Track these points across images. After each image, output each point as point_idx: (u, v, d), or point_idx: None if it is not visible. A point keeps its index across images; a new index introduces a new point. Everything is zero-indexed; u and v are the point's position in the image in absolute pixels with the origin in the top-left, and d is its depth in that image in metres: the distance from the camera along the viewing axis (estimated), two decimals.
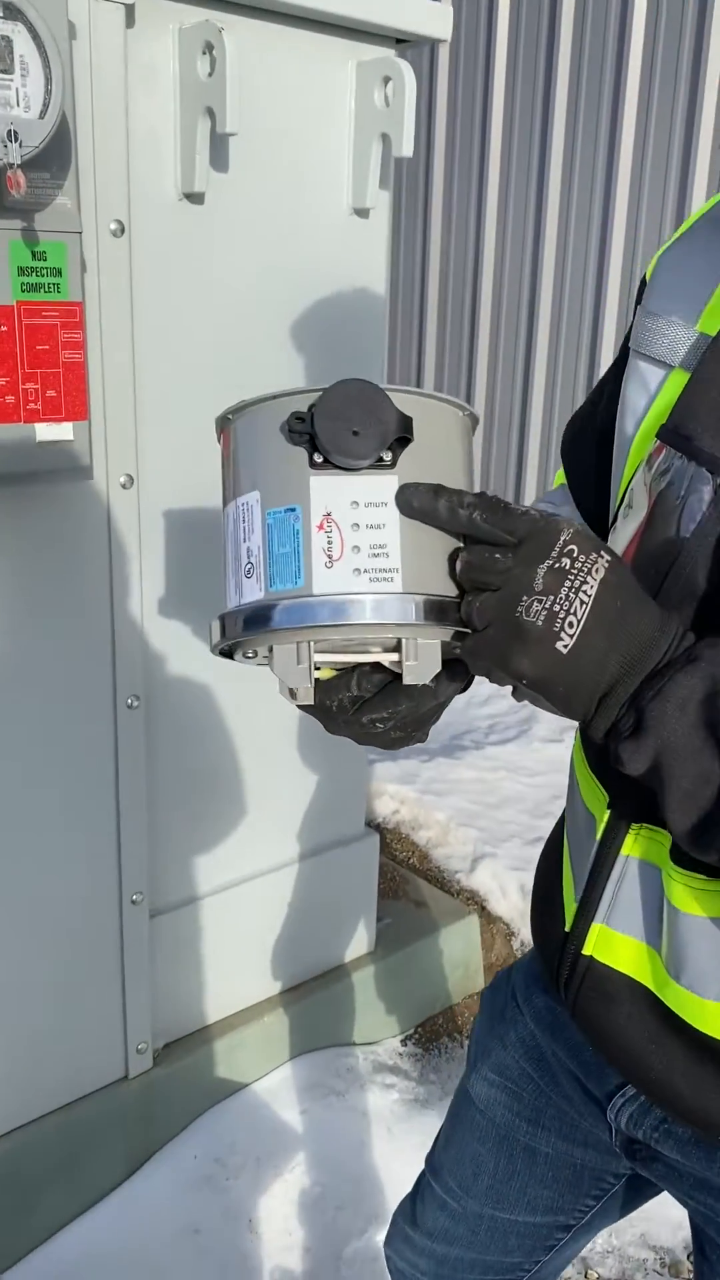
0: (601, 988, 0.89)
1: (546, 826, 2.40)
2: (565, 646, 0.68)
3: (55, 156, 1.29)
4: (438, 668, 0.74)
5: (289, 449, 0.72)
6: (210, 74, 1.52)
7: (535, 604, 0.68)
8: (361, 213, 1.82)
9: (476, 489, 0.74)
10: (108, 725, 1.73)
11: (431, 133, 4.42)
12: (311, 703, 0.78)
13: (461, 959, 2.47)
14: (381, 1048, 2.31)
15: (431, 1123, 2.09)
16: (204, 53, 1.52)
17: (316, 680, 0.77)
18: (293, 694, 0.77)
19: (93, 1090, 1.91)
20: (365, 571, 0.71)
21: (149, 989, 1.91)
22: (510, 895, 2.71)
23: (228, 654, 0.80)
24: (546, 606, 0.68)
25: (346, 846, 2.21)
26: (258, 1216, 1.91)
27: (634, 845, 0.84)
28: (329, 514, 0.71)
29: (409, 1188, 1.25)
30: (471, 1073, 1.15)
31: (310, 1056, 2.21)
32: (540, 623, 0.68)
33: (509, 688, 0.75)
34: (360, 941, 2.31)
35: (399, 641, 0.72)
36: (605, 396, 0.98)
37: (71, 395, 1.40)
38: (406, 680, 0.73)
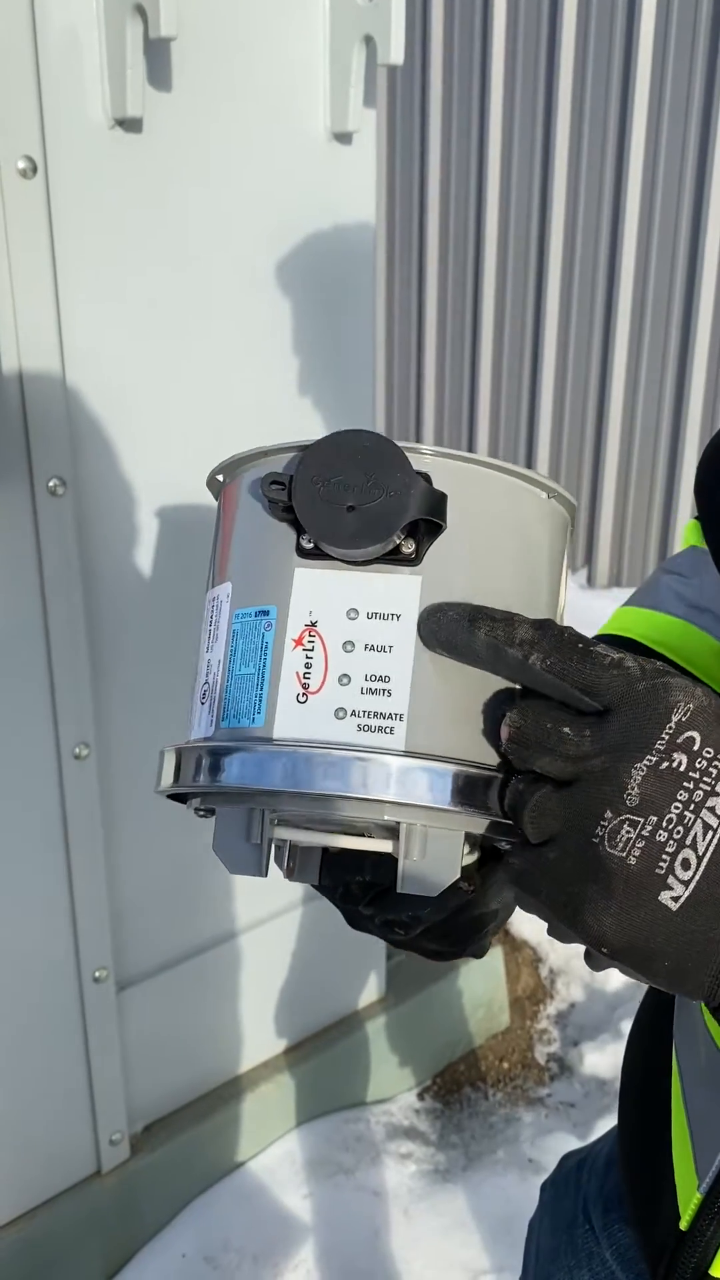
0: None
1: None
2: (675, 899, 0.43)
3: None
4: (455, 872, 0.49)
5: (274, 527, 0.52)
6: None
7: (625, 828, 0.43)
8: (343, 137, 1.48)
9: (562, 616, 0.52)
10: (51, 780, 1.43)
11: (427, 34, 3.92)
12: (314, 881, 0.57)
13: (484, 997, 2.19)
14: (396, 1105, 2.04)
15: (454, 1200, 1.83)
16: None
17: (324, 850, 0.58)
18: (284, 866, 0.58)
19: (61, 1191, 1.64)
20: (353, 714, 0.49)
21: (120, 1073, 1.63)
22: (536, 916, 2.43)
23: (181, 800, 0.59)
24: (644, 833, 0.43)
25: None
26: None
27: None
28: (313, 624, 0.50)
29: None
30: None
31: (314, 1125, 1.94)
32: (634, 861, 0.43)
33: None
34: (369, 988, 2.03)
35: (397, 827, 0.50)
36: None
37: None
38: (402, 888, 0.49)
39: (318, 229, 1.50)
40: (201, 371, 1.43)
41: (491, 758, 0.49)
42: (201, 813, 0.57)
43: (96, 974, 1.54)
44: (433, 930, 0.56)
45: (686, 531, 0.82)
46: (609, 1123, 1.94)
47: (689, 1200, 0.62)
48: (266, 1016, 1.88)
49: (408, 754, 0.48)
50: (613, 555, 3.90)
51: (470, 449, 4.18)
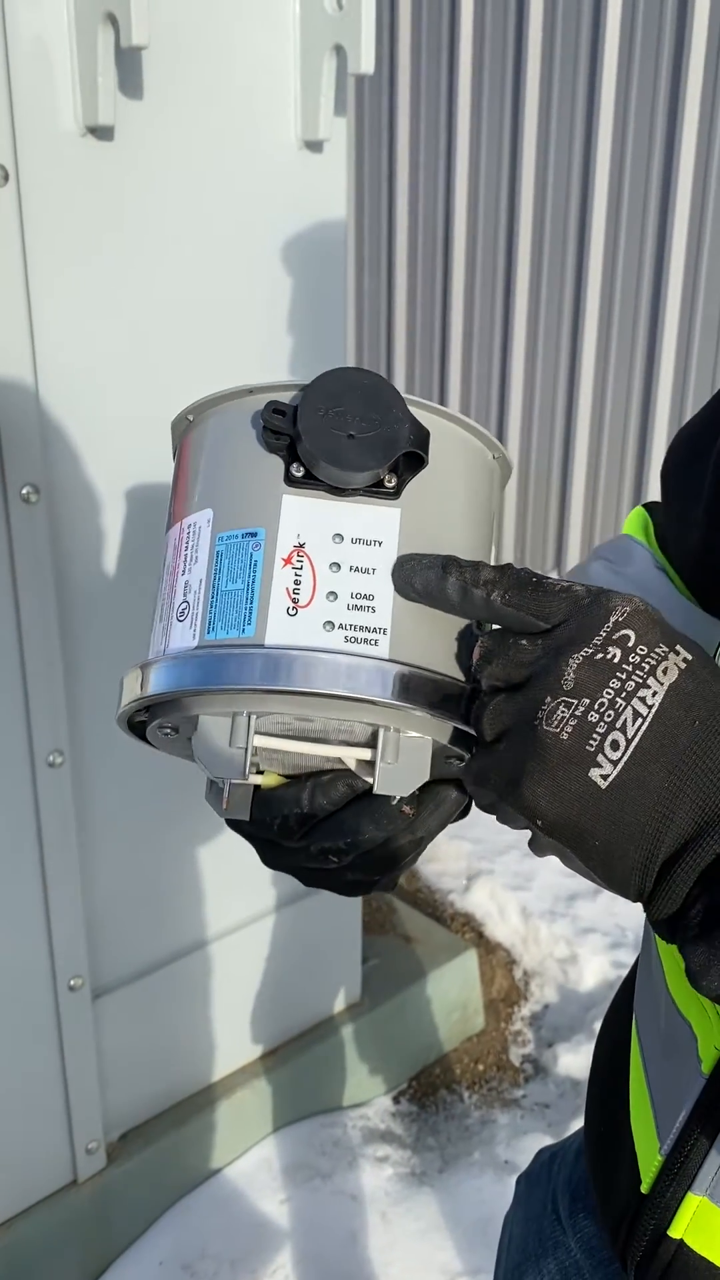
0: None
1: None
2: (604, 777, 0.47)
3: None
4: (425, 775, 0.54)
5: (261, 457, 0.55)
6: None
7: (560, 709, 0.47)
8: (313, 146, 1.49)
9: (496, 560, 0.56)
10: (25, 787, 1.42)
11: (395, 44, 3.94)
12: (245, 816, 0.58)
13: (459, 1000, 2.20)
14: (372, 1109, 2.05)
15: (430, 1203, 1.84)
16: None
17: (255, 788, 0.58)
18: (221, 797, 0.57)
19: (37, 1201, 1.63)
20: (340, 626, 0.53)
21: (96, 1081, 1.62)
22: (510, 917, 2.44)
23: (139, 731, 0.61)
24: (576, 713, 0.47)
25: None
26: None
27: None
28: (301, 545, 0.53)
29: None
30: None
31: (291, 1130, 1.94)
32: (566, 736, 0.47)
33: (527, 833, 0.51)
34: (344, 993, 2.03)
35: (373, 733, 0.53)
36: None
37: None
38: (378, 788, 0.54)
39: (289, 237, 1.50)
40: (173, 377, 1.44)
41: (458, 673, 0.54)
42: (166, 730, 0.58)
43: (72, 982, 1.54)
44: (358, 861, 0.58)
45: (628, 519, 0.84)
46: (582, 1122, 1.95)
47: (650, 1163, 0.63)
48: (242, 1022, 1.88)
49: (392, 663, 0.52)
50: (583, 543, 3.93)
51: None
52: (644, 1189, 0.64)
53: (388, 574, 0.53)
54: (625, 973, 2.30)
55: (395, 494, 0.54)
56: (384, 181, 4.15)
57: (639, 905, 0.49)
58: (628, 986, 0.78)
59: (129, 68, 1.28)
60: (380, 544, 0.54)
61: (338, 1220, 1.80)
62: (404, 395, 0.55)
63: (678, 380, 3.55)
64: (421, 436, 0.54)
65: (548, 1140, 1.95)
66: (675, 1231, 0.61)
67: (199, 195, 1.40)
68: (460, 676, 0.54)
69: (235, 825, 0.59)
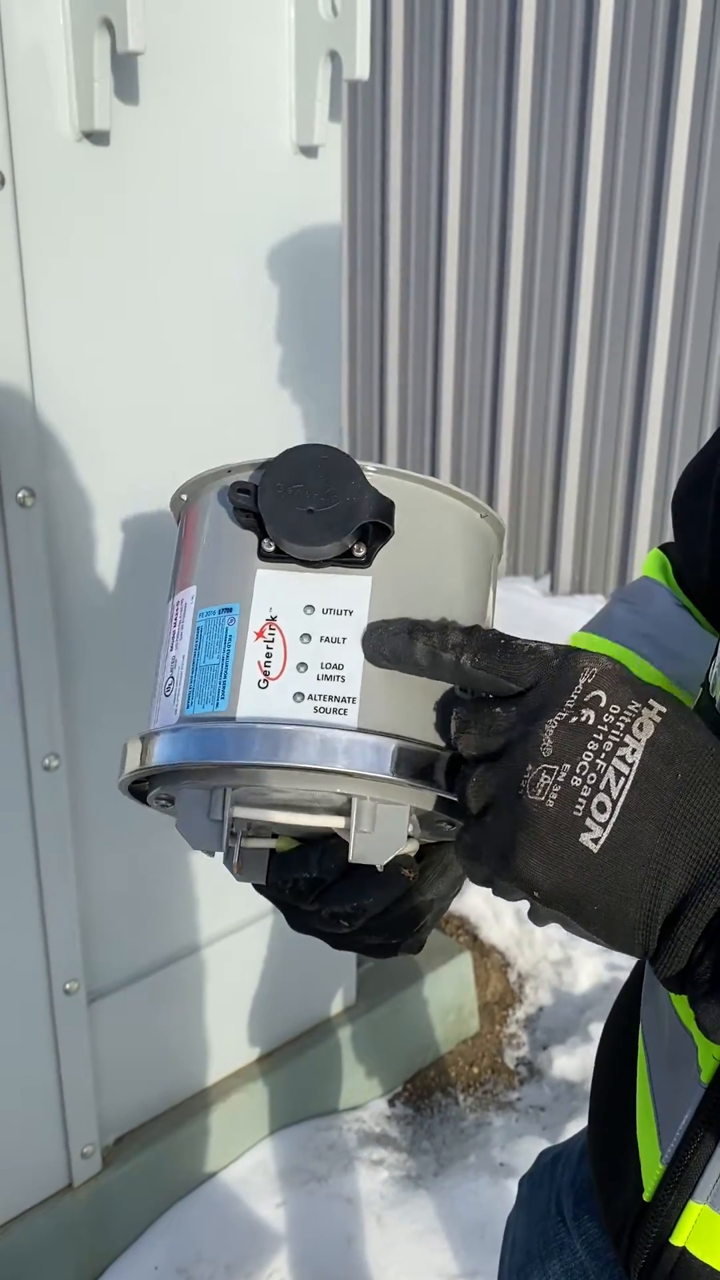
0: None
1: None
2: (595, 840, 0.46)
3: None
4: (401, 843, 0.54)
5: (237, 534, 0.57)
6: None
7: (543, 776, 0.47)
8: (309, 151, 1.50)
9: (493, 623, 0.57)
10: (20, 791, 1.42)
11: (387, 50, 3.96)
12: (261, 880, 0.60)
13: (454, 1003, 2.20)
14: (367, 1112, 2.05)
15: (426, 1206, 1.84)
16: None
17: (271, 853, 0.60)
18: (233, 863, 0.59)
19: (32, 1205, 1.63)
20: (310, 697, 0.54)
21: (92, 1086, 1.62)
22: (505, 920, 2.45)
23: (141, 797, 0.62)
24: (559, 779, 0.47)
25: None
26: None
27: None
28: (273, 619, 0.55)
29: None
30: None
31: (286, 1133, 1.94)
32: (552, 804, 0.47)
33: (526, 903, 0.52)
34: (339, 996, 2.04)
35: (349, 800, 0.54)
36: None
37: None
38: (353, 856, 0.54)
39: (284, 241, 1.51)
40: (169, 382, 1.44)
41: (435, 738, 0.54)
42: (162, 802, 0.60)
43: (67, 986, 1.54)
44: (373, 923, 0.59)
45: (646, 562, 0.85)
46: (579, 1125, 1.95)
47: (652, 1172, 0.64)
48: (238, 1026, 1.88)
49: (361, 732, 0.52)
50: (574, 564, 3.94)
51: (433, 460, 4.21)
52: (646, 1197, 0.64)
53: (358, 643, 0.54)
54: (619, 975, 2.30)
55: (366, 563, 0.55)
56: (377, 186, 4.16)
57: None
58: (628, 992, 0.79)
59: (125, 73, 1.29)
60: (350, 613, 0.54)
61: (333, 1224, 1.80)
62: (382, 465, 0.56)
63: (667, 402, 3.56)
64: (383, 506, 0.54)
65: (543, 1143, 1.95)
66: (677, 1239, 0.62)
67: (194, 199, 1.40)
68: (436, 741, 0.54)
69: (257, 888, 0.61)
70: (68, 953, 1.52)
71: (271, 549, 0.55)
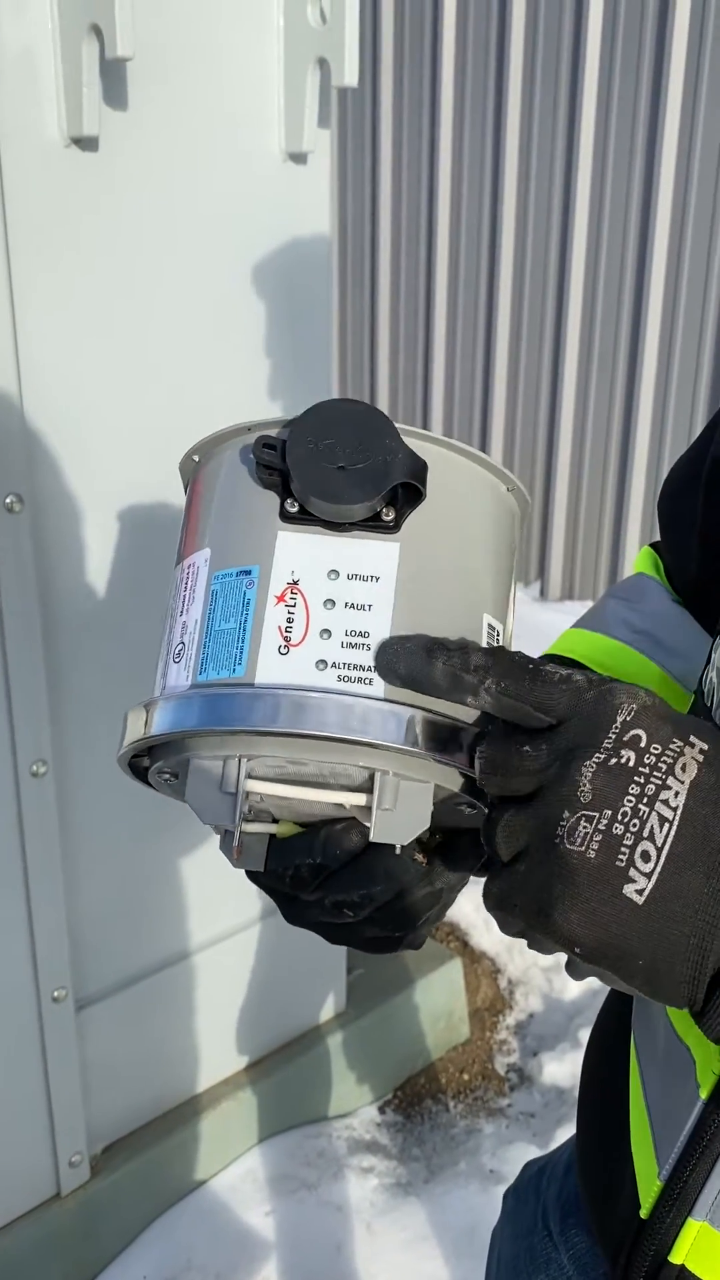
0: None
1: None
2: (640, 892, 0.43)
3: None
4: (425, 822, 0.51)
5: (257, 494, 0.54)
6: None
7: (582, 824, 0.44)
8: (298, 158, 1.50)
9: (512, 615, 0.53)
10: (8, 797, 1.42)
11: (377, 57, 3.96)
12: (260, 867, 0.56)
13: (444, 1009, 2.19)
14: (357, 1119, 2.04)
15: (416, 1213, 1.83)
16: None
17: (270, 837, 0.56)
18: (232, 846, 0.55)
19: (19, 1215, 1.62)
20: (334, 665, 0.50)
21: (79, 1094, 1.61)
22: (495, 926, 2.44)
23: (140, 774, 0.60)
24: (600, 827, 0.43)
25: None
26: None
27: None
28: (295, 582, 0.52)
29: None
30: None
31: (276, 1140, 1.93)
32: (593, 854, 0.43)
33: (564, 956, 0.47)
34: (329, 1003, 2.03)
35: (370, 777, 0.51)
36: (719, 436, 0.71)
37: None
38: (374, 836, 0.51)
39: (274, 248, 1.51)
40: (158, 386, 1.44)
41: (462, 713, 0.51)
42: (166, 776, 0.57)
43: (55, 994, 1.53)
44: (377, 914, 0.56)
45: (638, 559, 0.84)
46: (568, 1132, 1.95)
47: (650, 1188, 0.62)
48: (227, 1033, 1.87)
49: (388, 703, 0.49)
50: (564, 570, 3.94)
51: None
52: (643, 1213, 0.62)
53: (385, 610, 0.51)
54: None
55: (394, 528, 0.52)
56: (367, 192, 4.16)
57: None
58: (615, 1002, 0.78)
59: (114, 79, 1.29)
60: (377, 579, 0.52)
61: (323, 1232, 1.80)
62: (410, 428, 0.53)
63: (656, 409, 3.57)
64: (417, 467, 0.52)
65: (533, 1149, 1.95)
66: (676, 1257, 0.60)
67: (184, 205, 1.40)
68: (462, 715, 0.51)
69: (253, 877, 0.58)
70: (56, 960, 1.51)
71: (295, 509, 0.52)
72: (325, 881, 0.55)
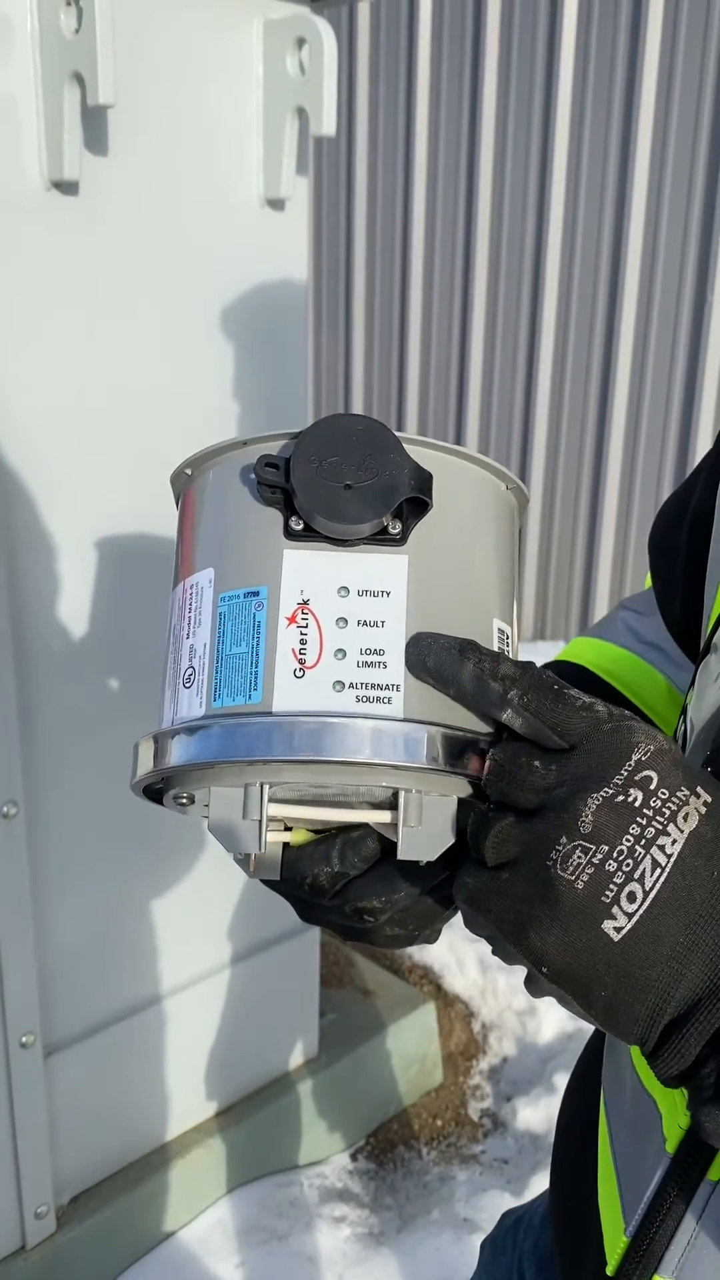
0: None
1: None
2: (618, 930, 0.44)
3: None
4: (450, 839, 0.51)
5: (259, 512, 0.53)
6: (77, 30, 1.20)
7: (577, 853, 0.45)
8: (276, 204, 1.52)
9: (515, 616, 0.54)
10: None
11: (353, 107, 4.04)
12: (275, 876, 0.56)
13: (417, 1054, 2.17)
14: (329, 1167, 2.01)
15: (388, 1264, 1.80)
16: (68, 3, 1.21)
17: (285, 845, 0.56)
18: (248, 859, 0.55)
19: None
20: (351, 686, 0.50)
21: (47, 1143, 1.58)
22: (468, 969, 2.43)
23: (154, 797, 0.58)
24: (594, 860, 0.44)
25: (282, 944, 1.90)
26: None
27: None
28: (305, 602, 0.51)
29: None
30: None
31: (246, 1190, 1.90)
32: (581, 885, 0.44)
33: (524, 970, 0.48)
34: (300, 1048, 2.01)
35: (394, 795, 0.51)
36: (703, 479, 0.73)
37: None
38: (402, 854, 0.51)
39: (250, 292, 1.52)
40: (133, 428, 1.44)
41: (479, 726, 0.51)
42: (182, 801, 0.56)
43: (23, 1039, 1.50)
44: (398, 914, 0.56)
45: (649, 576, 0.85)
46: (543, 1178, 1.93)
47: (616, 1244, 0.61)
48: (197, 1080, 1.84)
49: (409, 723, 0.49)
50: (536, 610, 3.97)
51: None
52: (609, 1270, 0.61)
53: (398, 625, 0.51)
54: (584, 1026, 2.28)
55: (401, 540, 0.52)
56: (342, 238, 4.22)
57: None
58: (588, 1057, 0.77)
59: (95, 125, 1.31)
60: (388, 594, 0.51)
61: None
62: (405, 435, 0.53)
63: (626, 451, 3.62)
64: (423, 480, 0.51)
65: (507, 1197, 1.93)
66: None
67: (162, 250, 1.42)
68: (480, 728, 0.51)
69: (268, 884, 0.58)
70: (24, 1004, 1.49)
71: (299, 527, 0.51)
72: (346, 888, 0.55)
